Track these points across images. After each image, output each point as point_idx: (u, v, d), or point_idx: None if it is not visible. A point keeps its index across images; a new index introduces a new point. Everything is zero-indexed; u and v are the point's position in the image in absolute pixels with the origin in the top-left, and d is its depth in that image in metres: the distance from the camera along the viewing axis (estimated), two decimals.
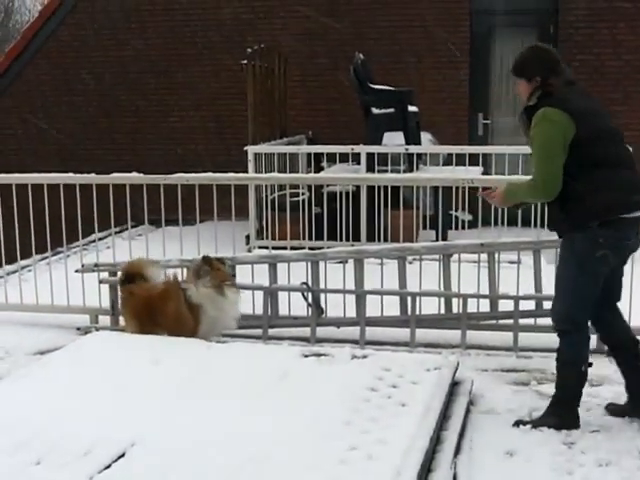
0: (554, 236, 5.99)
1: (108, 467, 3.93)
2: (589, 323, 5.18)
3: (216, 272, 6.14)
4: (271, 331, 6.99)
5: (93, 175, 7.74)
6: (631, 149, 5.18)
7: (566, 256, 5.07)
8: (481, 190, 5.72)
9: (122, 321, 6.79)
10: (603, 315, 5.21)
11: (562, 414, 5.10)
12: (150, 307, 6.17)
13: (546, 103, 4.90)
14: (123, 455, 4.04)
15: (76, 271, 7.51)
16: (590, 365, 5.09)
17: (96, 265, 7.46)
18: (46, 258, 8.46)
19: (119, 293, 6.68)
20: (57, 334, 7.19)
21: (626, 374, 5.26)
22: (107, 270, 7.40)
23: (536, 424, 5.10)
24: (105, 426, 4.35)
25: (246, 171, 10.30)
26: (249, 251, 9.80)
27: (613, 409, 5.32)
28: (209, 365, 5.25)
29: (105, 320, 7.47)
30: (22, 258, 8.12)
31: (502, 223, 7.79)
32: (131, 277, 6.32)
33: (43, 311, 7.67)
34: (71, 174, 7.81)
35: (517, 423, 5.17)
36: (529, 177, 5.12)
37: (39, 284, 7.71)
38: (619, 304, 5.32)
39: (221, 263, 6.31)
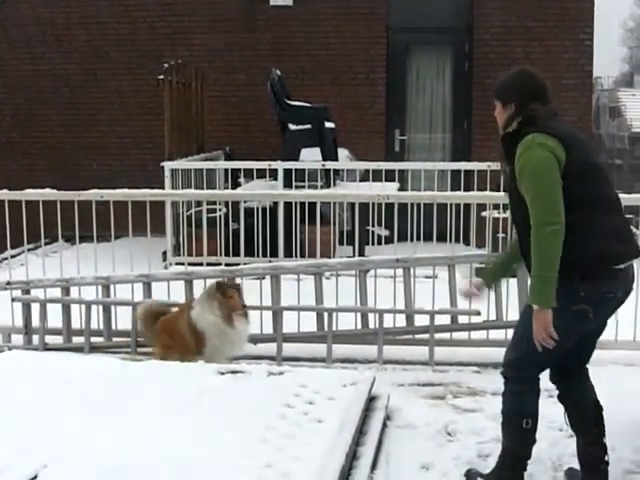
0: (469, 251, 6.04)
1: None
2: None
3: (227, 300, 6.10)
4: None
5: (5, 191, 7.60)
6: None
7: None
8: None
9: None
10: (567, 371, 4.53)
11: (503, 474, 4.50)
12: (165, 329, 6.28)
13: (532, 130, 4.15)
14: (35, 477, 3.96)
15: None
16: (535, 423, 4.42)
17: (8, 283, 7.33)
18: None
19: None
20: None
21: (579, 442, 4.56)
22: (20, 288, 7.28)
23: None
24: (17, 447, 4.25)
25: (163, 187, 10.24)
26: (165, 268, 9.72)
27: (569, 474, 4.70)
28: (124, 384, 5.18)
29: (18, 339, 7.33)
30: None
31: (418, 238, 7.87)
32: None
33: None
34: None
35: (468, 474, 4.72)
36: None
37: None
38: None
39: (235, 290, 6.26)
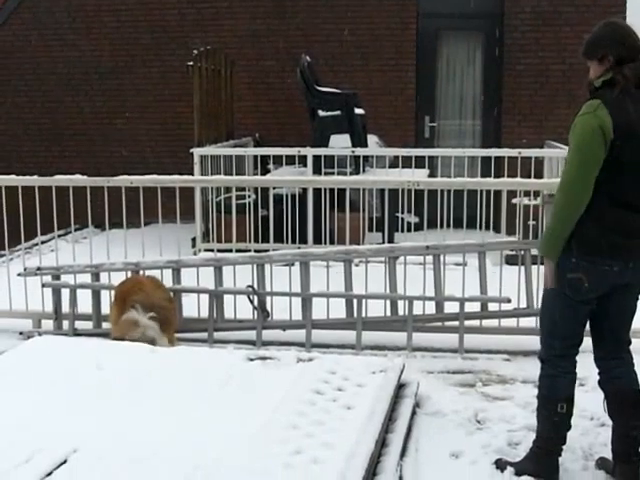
0: (499, 238, 5.98)
1: (49, 474, 3.85)
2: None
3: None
4: (216, 334, 6.95)
5: (36, 177, 7.64)
6: None
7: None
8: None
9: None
10: (606, 353, 4.51)
11: (538, 459, 4.50)
12: None
13: (602, 96, 4.10)
14: (65, 462, 3.96)
15: (19, 274, 7.41)
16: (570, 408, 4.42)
17: (39, 268, 7.37)
18: None
19: None
20: None
21: (614, 431, 4.51)
22: (50, 273, 7.32)
23: (516, 467, 4.54)
24: (47, 432, 4.27)
25: (192, 173, 10.24)
26: (195, 254, 9.74)
27: (601, 464, 4.63)
28: (153, 370, 5.18)
29: (48, 324, 7.36)
30: None
31: (448, 225, 7.82)
32: None
33: None
34: (13, 176, 7.71)
35: (497, 464, 4.67)
36: None
37: None
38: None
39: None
